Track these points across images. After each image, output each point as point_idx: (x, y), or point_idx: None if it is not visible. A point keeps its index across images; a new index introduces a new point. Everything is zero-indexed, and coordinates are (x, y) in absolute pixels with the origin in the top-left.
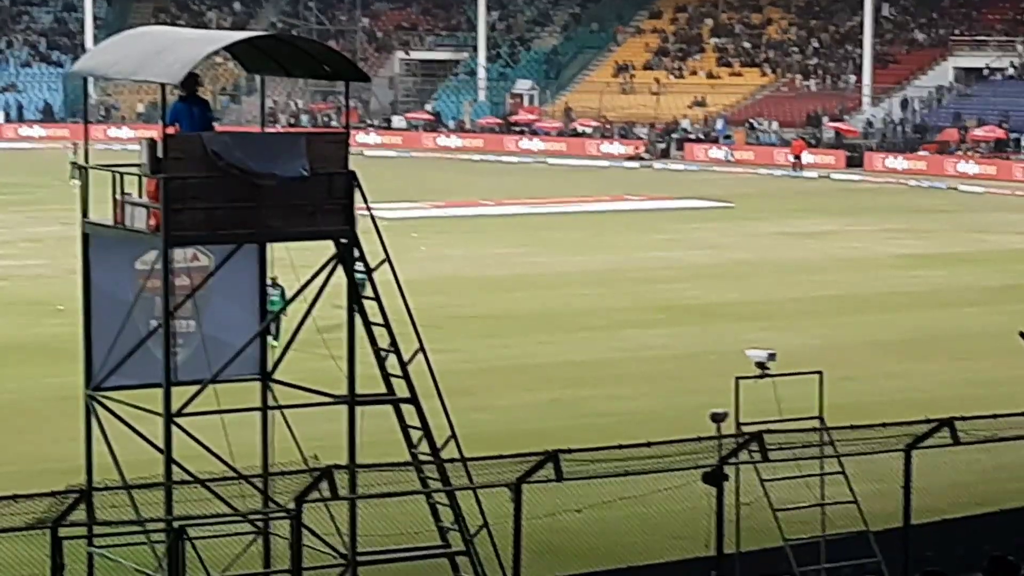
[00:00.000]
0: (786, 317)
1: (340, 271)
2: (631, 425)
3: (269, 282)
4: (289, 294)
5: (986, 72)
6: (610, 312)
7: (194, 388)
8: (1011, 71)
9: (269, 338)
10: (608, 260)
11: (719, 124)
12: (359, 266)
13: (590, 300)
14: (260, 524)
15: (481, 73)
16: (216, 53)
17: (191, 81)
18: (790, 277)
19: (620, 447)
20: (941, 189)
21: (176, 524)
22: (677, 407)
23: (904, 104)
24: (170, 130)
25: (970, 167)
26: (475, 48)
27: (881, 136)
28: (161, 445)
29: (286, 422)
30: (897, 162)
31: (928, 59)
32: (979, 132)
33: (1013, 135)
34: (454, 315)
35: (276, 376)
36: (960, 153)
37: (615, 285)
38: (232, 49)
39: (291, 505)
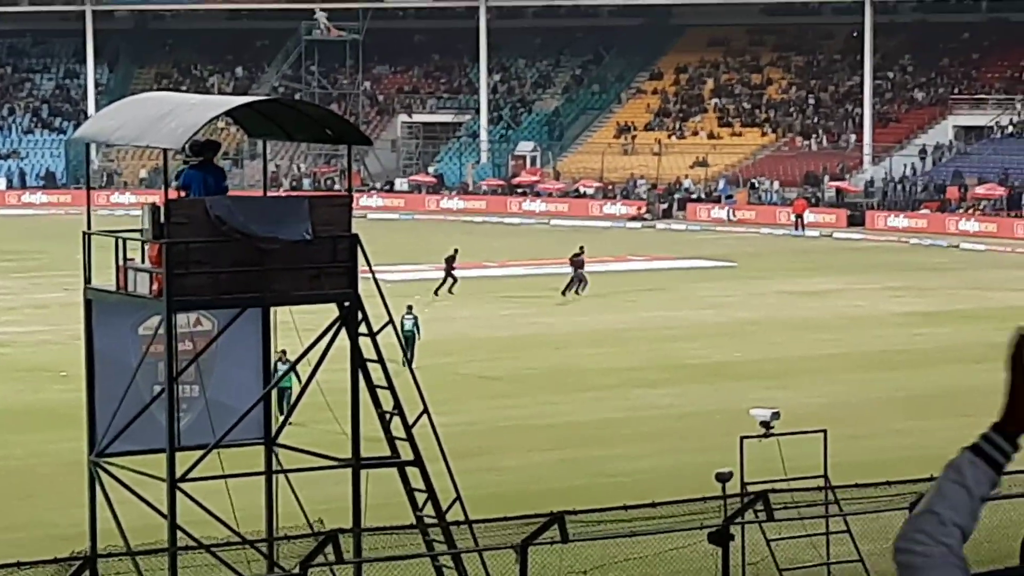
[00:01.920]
0: (791, 376)
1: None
2: (637, 485)
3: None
4: (292, 357)
5: (988, 129)
6: (616, 372)
7: (198, 453)
8: (1010, 129)
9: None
10: (613, 320)
11: (721, 184)
12: (407, 320)
13: (596, 360)
14: None
15: (483, 135)
16: (218, 118)
17: (206, 148)
18: (794, 335)
19: (626, 508)
20: (942, 247)
21: None
22: (683, 467)
23: (911, 163)
24: (174, 195)
25: (971, 225)
26: (477, 110)
27: (882, 194)
28: (165, 511)
29: (290, 486)
30: (898, 220)
31: (928, 117)
32: (980, 190)
33: (1013, 192)
34: (460, 376)
35: (281, 440)
36: (961, 211)
37: (621, 345)
38: (234, 114)
39: (296, 570)
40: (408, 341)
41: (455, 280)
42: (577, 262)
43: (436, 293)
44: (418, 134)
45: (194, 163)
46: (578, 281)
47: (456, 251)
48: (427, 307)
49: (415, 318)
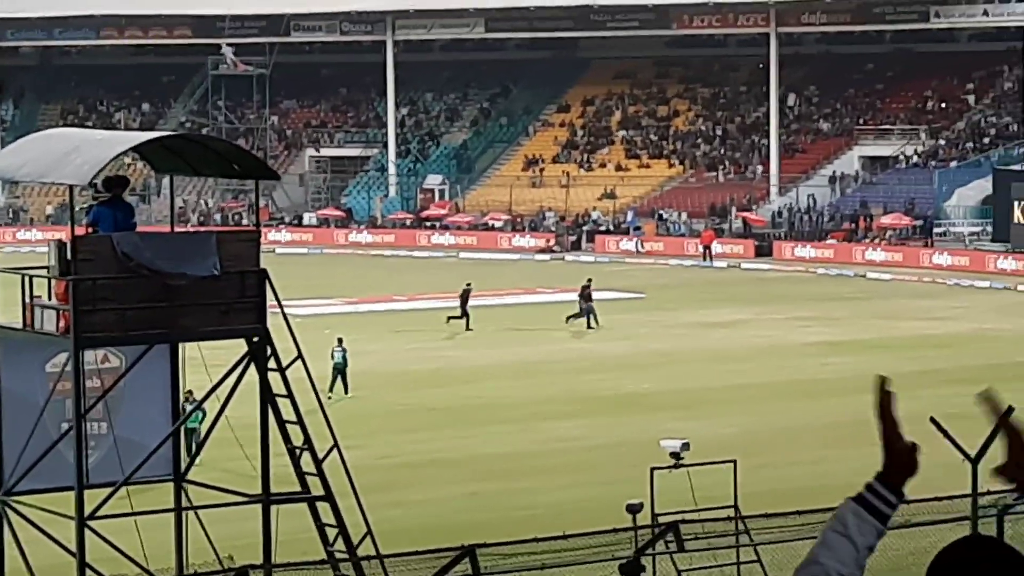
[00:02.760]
0: (701, 406)
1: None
2: (548, 517)
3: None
4: (200, 395)
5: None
6: (526, 404)
7: (107, 490)
8: (915, 159)
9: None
10: (522, 352)
11: (629, 216)
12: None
13: (506, 393)
14: None
15: (391, 168)
16: (125, 154)
17: (115, 184)
18: (704, 366)
19: (537, 540)
20: (849, 277)
21: None
22: (594, 498)
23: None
24: (81, 231)
25: (877, 255)
26: (385, 144)
27: (789, 225)
28: (74, 549)
29: (200, 523)
30: (805, 250)
31: (834, 148)
32: (886, 220)
33: (919, 222)
34: (369, 410)
35: (190, 476)
36: (867, 241)
37: (530, 377)
38: (141, 149)
39: None
40: (339, 372)
41: (467, 315)
42: (586, 294)
43: (468, 327)
44: (326, 168)
45: (103, 199)
46: (587, 313)
47: (469, 285)
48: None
49: (344, 350)
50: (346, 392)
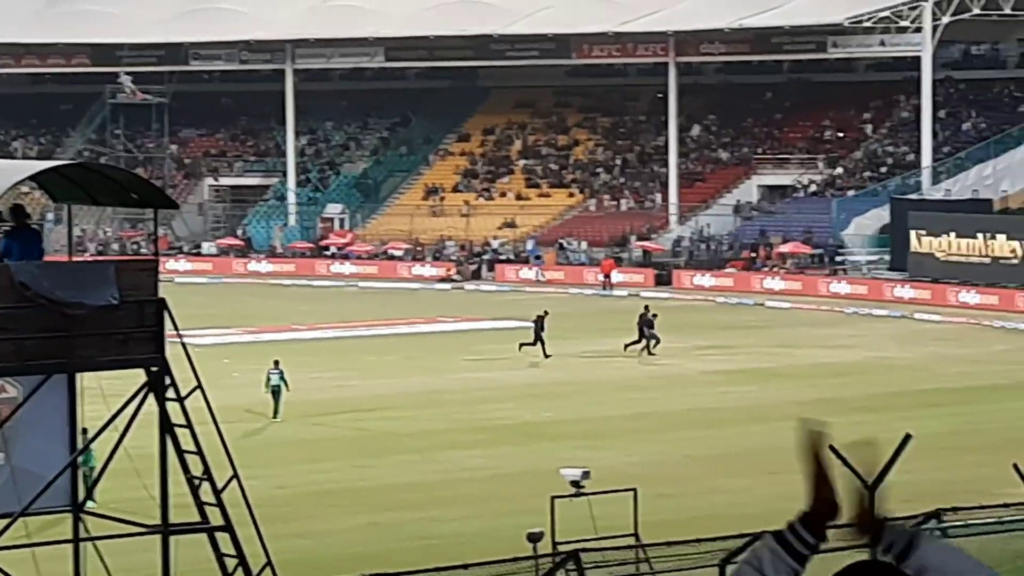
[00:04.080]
0: (602, 435)
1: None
2: (450, 547)
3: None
4: (99, 425)
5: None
6: (427, 434)
7: (3, 522)
8: (813, 187)
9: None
10: (424, 382)
11: (529, 245)
12: (273, 375)
13: (407, 422)
14: None
15: (291, 198)
16: (23, 182)
17: (19, 213)
18: (604, 395)
19: (438, 570)
20: (749, 305)
21: None
22: (495, 528)
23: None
24: None
25: (776, 283)
26: (284, 173)
27: (689, 254)
28: None
29: (99, 554)
30: (705, 279)
31: (733, 177)
32: (784, 248)
33: (817, 250)
34: (269, 440)
35: (88, 507)
36: (766, 269)
37: (432, 407)
38: (39, 178)
39: None
40: (275, 395)
41: (543, 342)
42: (647, 321)
43: (545, 356)
44: (225, 197)
45: (7, 228)
46: (650, 339)
47: (546, 312)
48: (236, 372)
49: (280, 372)
50: (276, 415)
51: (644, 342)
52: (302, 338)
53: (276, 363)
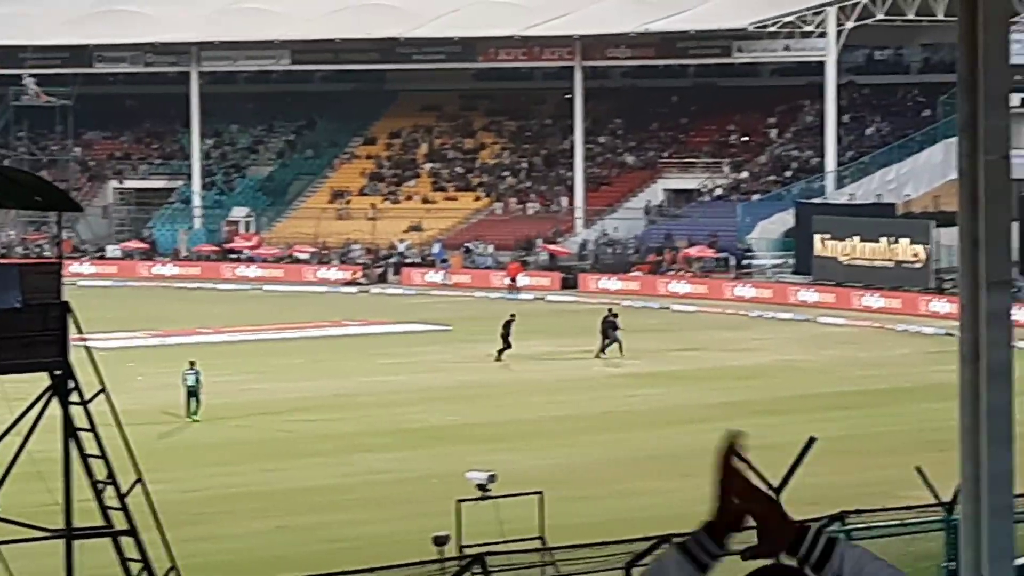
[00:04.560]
0: (509, 438)
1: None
2: (357, 551)
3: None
4: (2, 429)
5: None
6: (335, 437)
7: None
8: (719, 191)
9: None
10: (330, 385)
11: (435, 248)
12: (190, 376)
13: (314, 426)
14: None
15: (196, 201)
16: None
17: None
18: (511, 398)
19: (344, 573)
20: (654, 309)
21: None
22: (402, 531)
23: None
24: None
25: (682, 287)
26: (190, 176)
27: (595, 257)
28: None
29: (2, 559)
30: (611, 282)
31: (639, 181)
32: (690, 252)
33: (723, 254)
34: (175, 444)
35: None
36: (672, 273)
37: (339, 410)
38: None
39: None
40: (193, 395)
41: (509, 346)
42: (610, 323)
43: (498, 358)
44: (130, 200)
45: None
46: (614, 341)
47: (513, 316)
48: (141, 376)
49: (197, 373)
50: (195, 414)
51: (607, 343)
52: (208, 341)
53: (192, 364)
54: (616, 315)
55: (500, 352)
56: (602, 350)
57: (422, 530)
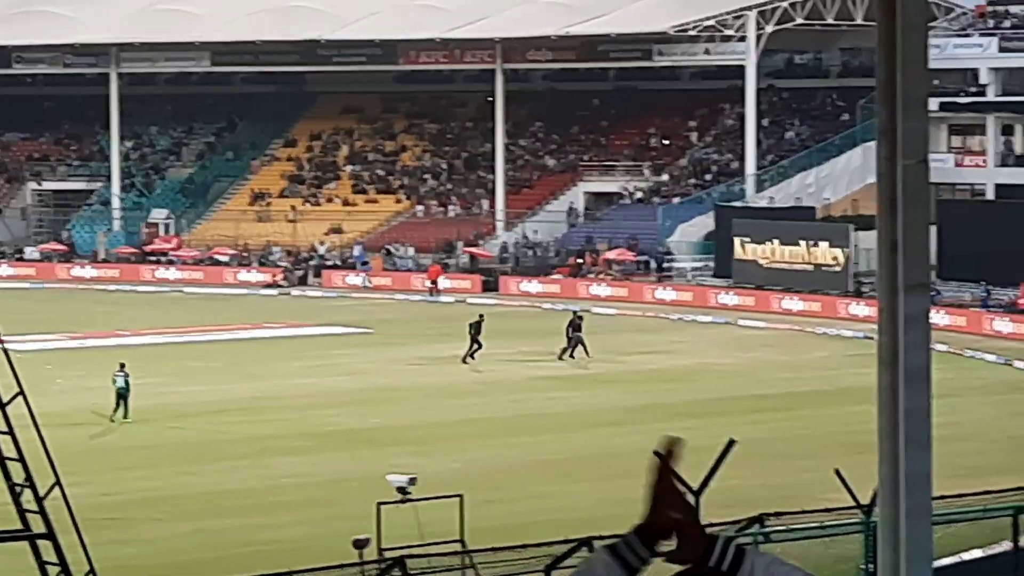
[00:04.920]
0: (429, 442)
1: None
2: (277, 554)
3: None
4: None
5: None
6: (254, 440)
7: None
8: (639, 194)
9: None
10: (250, 388)
11: (356, 251)
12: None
13: (233, 429)
14: None
15: (115, 203)
16: None
17: None
18: (432, 401)
19: None
20: (575, 311)
21: None
22: (322, 535)
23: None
24: None
25: (602, 290)
26: (109, 178)
27: (515, 260)
28: None
29: None
30: (531, 285)
31: (560, 184)
32: (610, 255)
33: (643, 257)
34: (93, 447)
35: None
36: (592, 276)
37: (258, 413)
38: None
39: None
40: (121, 397)
41: (480, 346)
42: (575, 324)
43: (465, 361)
44: (49, 202)
45: None
46: (577, 343)
47: (482, 316)
48: (60, 379)
49: (126, 375)
50: (126, 416)
51: (572, 346)
52: (127, 344)
53: (122, 365)
54: (581, 318)
55: (471, 354)
56: (570, 353)
57: (342, 533)
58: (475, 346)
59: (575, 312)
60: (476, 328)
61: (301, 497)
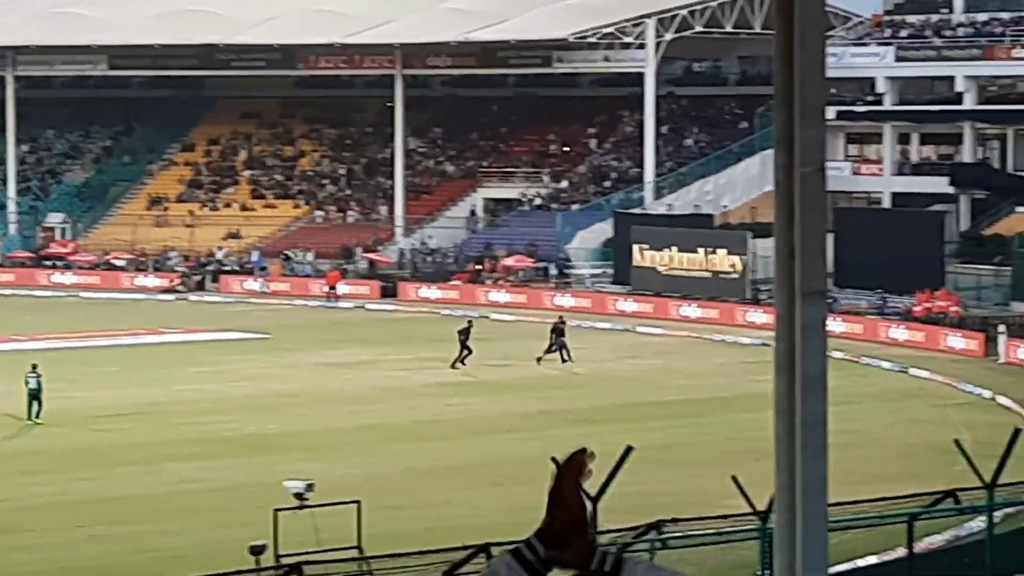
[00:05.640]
0: (327, 448)
1: None
2: (173, 560)
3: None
4: None
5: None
6: (149, 446)
7: None
8: (538, 201)
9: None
10: (146, 394)
11: (254, 256)
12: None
13: (129, 435)
14: None
15: (11, 207)
16: None
17: None
18: (329, 407)
19: None
20: (473, 317)
21: None
22: (218, 541)
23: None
24: None
25: (501, 296)
26: (4, 181)
27: (413, 266)
28: None
29: None
30: (430, 291)
31: (459, 190)
32: (509, 261)
33: (542, 264)
34: None
35: None
36: (491, 282)
37: (154, 419)
38: None
39: None
40: (34, 398)
41: (470, 351)
42: (558, 329)
43: (454, 366)
44: None
45: None
46: (560, 347)
47: (470, 322)
48: None
49: (39, 376)
50: (38, 417)
51: (553, 349)
52: (22, 348)
53: (34, 367)
54: (564, 323)
55: (463, 360)
56: (552, 352)
57: (239, 539)
58: (465, 352)
59: (559, 317)
60: (465, 334)
61: (197, 503)
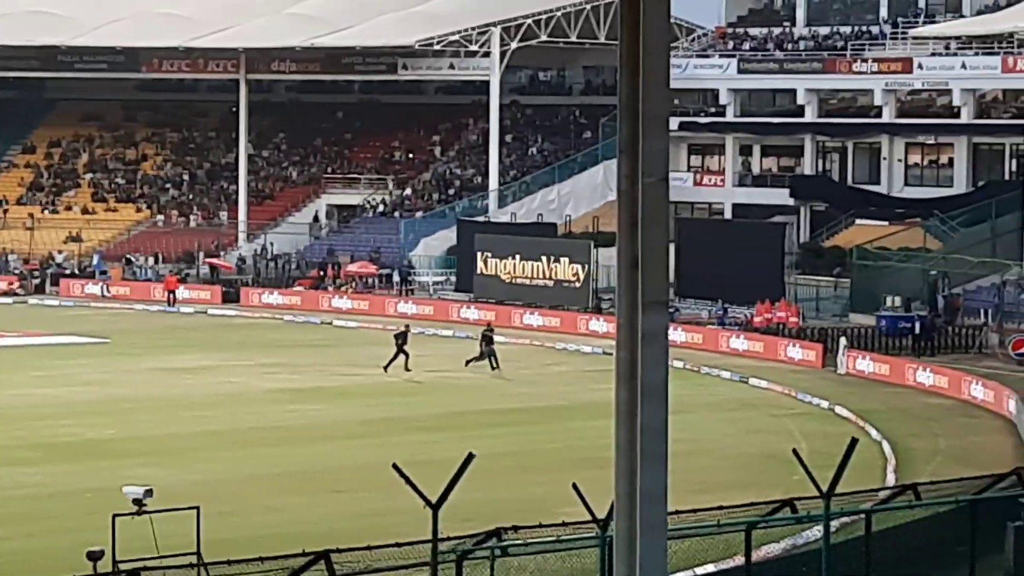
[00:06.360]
0: (166, 453)
1: None
2: (8, 567)
3: None
4: None
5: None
6: None
7: None
8: (382, 208)
9: None
10: None
11: (95, 259)
12: None
13: None
14: None
15: None
16: None
17: None
18: (169, 413)
19: None
20: (316, 324)
21: None
22: (55, 547)
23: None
24: None
25: (344, 302)
26: None
27: (256, 272)
28: None
29: None
30: (273, 297)
31: (303, 196)
32: (352, 267)
33: (385, 270)
34: None
35: None
36: (334, 288)
37: None
38: None
39: None
40: None
41: (407, 355)
42: (488, 337)
43: (386, 369)
44: None
45: None
46: (489, 355)
47: (407, 327)
48: None
49: None
50: None
51: (485, 356)
52: None
53: None
54: (493, 330)
55: (405, 363)
56: (481, 359)
57: (75, 545)
58: (402, 356)
59: (488, 324)
60: (403, 338)
61: (32, 509)
